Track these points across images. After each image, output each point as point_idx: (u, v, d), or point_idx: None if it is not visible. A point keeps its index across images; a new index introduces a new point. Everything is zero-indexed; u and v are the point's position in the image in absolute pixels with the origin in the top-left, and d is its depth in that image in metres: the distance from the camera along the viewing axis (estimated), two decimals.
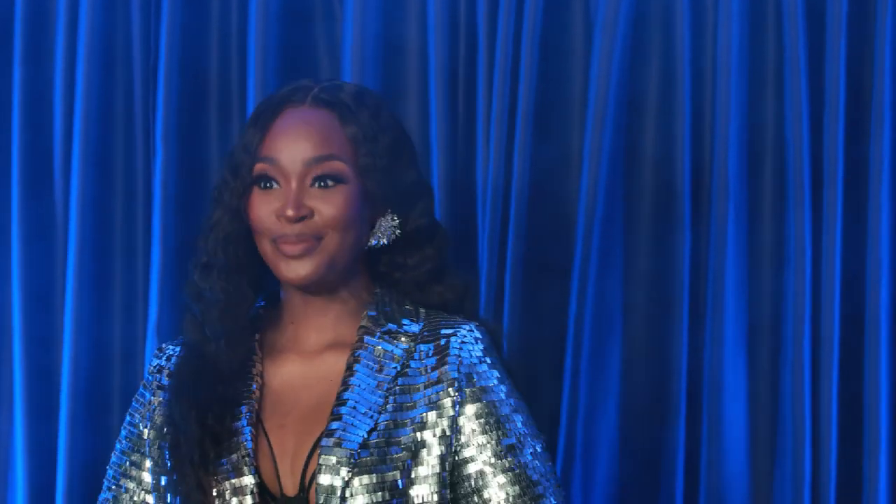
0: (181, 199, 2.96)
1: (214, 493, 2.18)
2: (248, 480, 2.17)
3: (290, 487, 2.18)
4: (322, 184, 2.19)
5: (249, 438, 2.19)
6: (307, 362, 2.25)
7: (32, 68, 2.99)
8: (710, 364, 2.84)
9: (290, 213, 2.16)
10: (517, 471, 2.18)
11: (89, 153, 2.96)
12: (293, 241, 2.17)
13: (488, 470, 2.17)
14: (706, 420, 2.84)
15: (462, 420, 2.18)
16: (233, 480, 2.17)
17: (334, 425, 2.15)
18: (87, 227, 2.96)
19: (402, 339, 2.22)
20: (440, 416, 2.17)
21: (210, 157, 2.99)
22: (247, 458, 2.17)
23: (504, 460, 2.18)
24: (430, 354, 2.21)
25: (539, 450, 2.21)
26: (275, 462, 2.19)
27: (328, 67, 2.95)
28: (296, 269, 2.18)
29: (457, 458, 2.17)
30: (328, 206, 2.18)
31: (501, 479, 2.17)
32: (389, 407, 2.17)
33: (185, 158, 2.97)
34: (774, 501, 2.83)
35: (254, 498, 2.17)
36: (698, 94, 2.86)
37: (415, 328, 2.23)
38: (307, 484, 2.16)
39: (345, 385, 2.18)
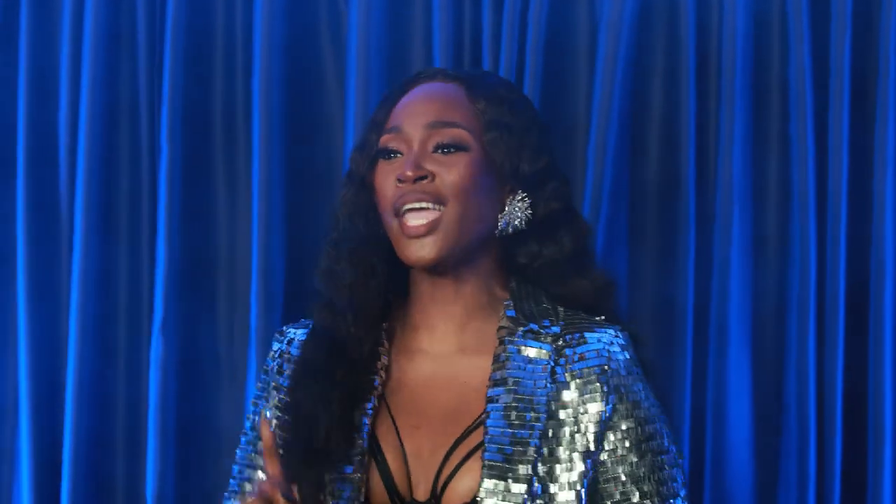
0: (186, 198, 2.96)
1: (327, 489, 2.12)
2: (357, 478, 2.11)
3: (422, 492, 2.11)
4: (444, 150, 2.12)
5: (366, 437, 2.13)
6: (441, 360, 2.17)
7: (37, 66, 2.98)
8: (715, 363, 2.84)
9: (408, 172, 2.09)
10: (657, 475, 2.12)
11: (94, 152, 2.96)
12: (410, 199, 2.09)
13: (628, 482, 2.11)
14: (710, 419, 2.84)
15: (610, 424, 2.12)
16: (344, 476, 2.11)
17: (493, 433, 2.08)
18: (91, 226, 2.96)
19: (547, 339, 2.14)
20: (586, 424, 2.11)
21: (215, 156, 2.98)
22: (361, 458, 2.11)
23: (647, 465, 2.12)
24: (576, 359, 2.13)
25: (679, 461, 2.16)
26: (406, 464, 2.12)
27: (333, 63, 2.94)
28: (419, 250, 2.10)
29: (599, 467, 2.11)
30: (448, 170, 2.11)
31: (643, 485, 2.12)
32: (546, 416, 2.11)
33: (190, 157, 2.96)
34: (779, 500, 2.83)
35: (360, 497, 2.11)
36: (703, 92, 2.86)
37: (555, 329, 2.15)
38: (440, 490, 2.10)
39: (493, 396, 2.11)
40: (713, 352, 2.84)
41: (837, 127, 2.80)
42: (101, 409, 2.98)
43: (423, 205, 2.11)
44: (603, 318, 2.18)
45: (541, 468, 2.09)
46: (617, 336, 2.15)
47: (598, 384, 2.12)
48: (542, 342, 2.13)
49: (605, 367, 2.12)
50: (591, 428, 2.11)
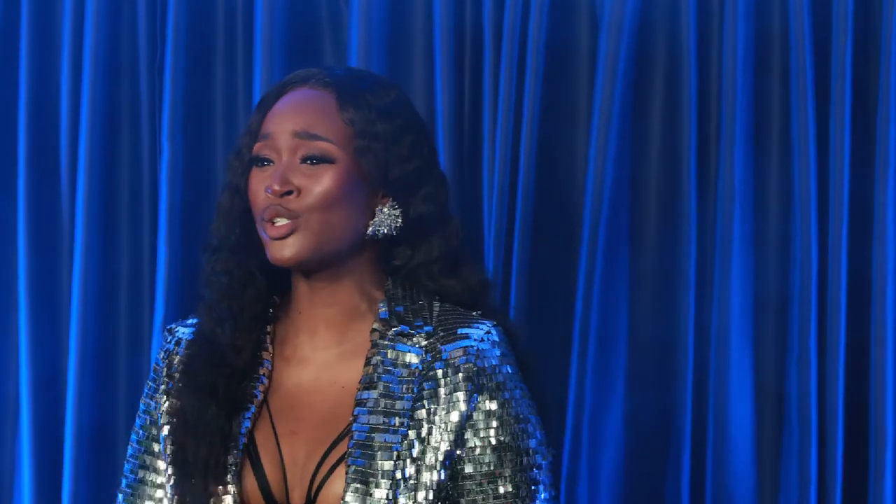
0: (187, 198, 2.97)
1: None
2: (233, 487, 2.14)
3: (297, 498, 2.14)
4: (311, 162, 2.16)
5: (241, 447, 2.16)
6: (322, 365, 2.20)
7: (38, 66, 3.00)
8: (716, 363, 2.83)
9: (275, 186, 2.14)
10: (518, 476, 2.14)
11: (95, 152, 2.97)
12: (275, 214, 2.14)
13: (486, 482, 2.13)
14: (712, 419, 2.83)
15: (472, 423, 2.13)
16: (221, 485, 2.15)
17: (357, 438, 2.12)
18: (93, 226, 2.97)
19: (419, 340, 2.18)
20: (450, 423, 2.13)
21: (216, 156, 2.99)
22: (236, 467, 2.15)
23: (507, 465, 2.14)
24: (446, 357, 2.15)
25: (545, 462, 2.17)
26: (284, 471, 2.15)
27: (334, 63, 2.95)
28: (281, 250, 2.15)
29: (458, 466, 2.13)
30: (314, 183, 2.15)
31: (500, 485, 2.13)
32: (412, 419, 2.14)
33: (191, 157, 2.98)
34: (780, 500, 2.83)
35: None
36: (704, 93, 2.87)
37: (428, 328, 2.18)
38: (314, 495, 2.13)
39: (362, 400, 2.14)
40: (714, 352, 2.84)
41: (839, 127, 2.80)
42: (101, 408, 2.98)
43: (285, 221, 2.15)
44: (479, 312, 2.21)
45: (406, 470, 2.11)
46: (489, 332, 2.17)
47: (463, 383, 2.14)
48: (412, 345, 2.17)
49: (472, 365, 2.15)
50: (455, 427, 2.13)
